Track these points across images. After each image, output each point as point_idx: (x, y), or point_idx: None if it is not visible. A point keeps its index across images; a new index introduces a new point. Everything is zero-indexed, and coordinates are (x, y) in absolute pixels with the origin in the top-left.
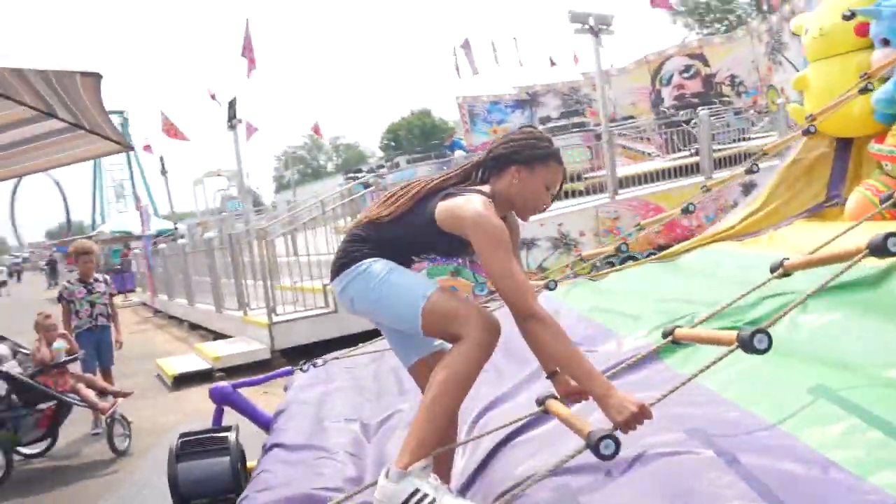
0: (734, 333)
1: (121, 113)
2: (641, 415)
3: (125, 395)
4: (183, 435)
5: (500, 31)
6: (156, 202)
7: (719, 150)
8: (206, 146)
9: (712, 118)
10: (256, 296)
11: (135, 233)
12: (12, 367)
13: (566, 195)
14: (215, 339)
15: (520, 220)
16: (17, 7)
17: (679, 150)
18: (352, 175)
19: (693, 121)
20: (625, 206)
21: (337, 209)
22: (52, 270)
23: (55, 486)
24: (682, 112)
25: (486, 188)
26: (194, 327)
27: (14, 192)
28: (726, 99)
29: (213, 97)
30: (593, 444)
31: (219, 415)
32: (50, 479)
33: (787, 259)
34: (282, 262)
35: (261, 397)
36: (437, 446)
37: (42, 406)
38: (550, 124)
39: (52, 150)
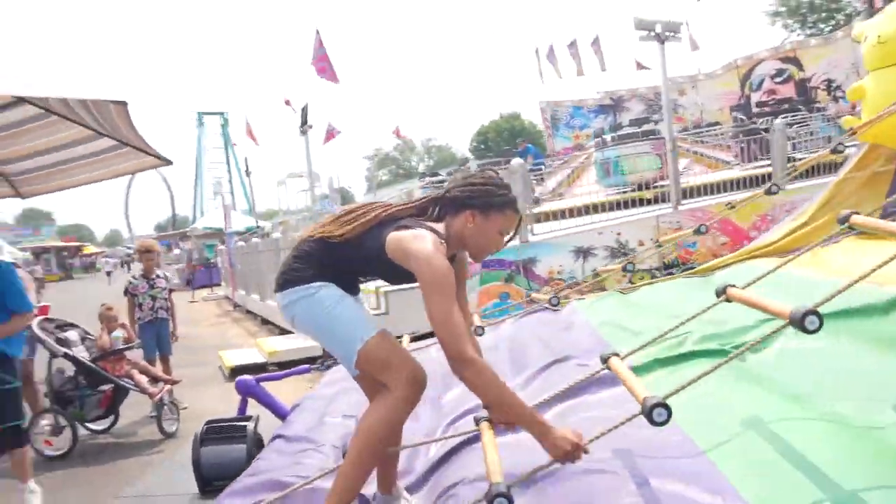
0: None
1: (221, 114)
2: (577, 449)
3: (174, 382)
4: (208, 422)
5: (584, 34)
6: (250, 200)
7: (800, 159)
8: (294, 148)
9: (795, 126)
10: None
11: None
12: (80, 352)
13: (630, 204)
14: (281, 333)
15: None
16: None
17: (757, 159)
18: (429, 177)
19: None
20: (687, 215)
21: None
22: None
23: (109, 459)
24: (761, 120)
25: (439, 226)
26: (265, 322)
27: (128, 189)
28: (818, 105)
29: (287, 103)
30: (647, 411)
31: (243, 405)
32: (106, 452)
33: (733, 286)
34: None
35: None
36: (360, 488)
37: (103, 388)
38: (621, 132)
39: (104, 165)
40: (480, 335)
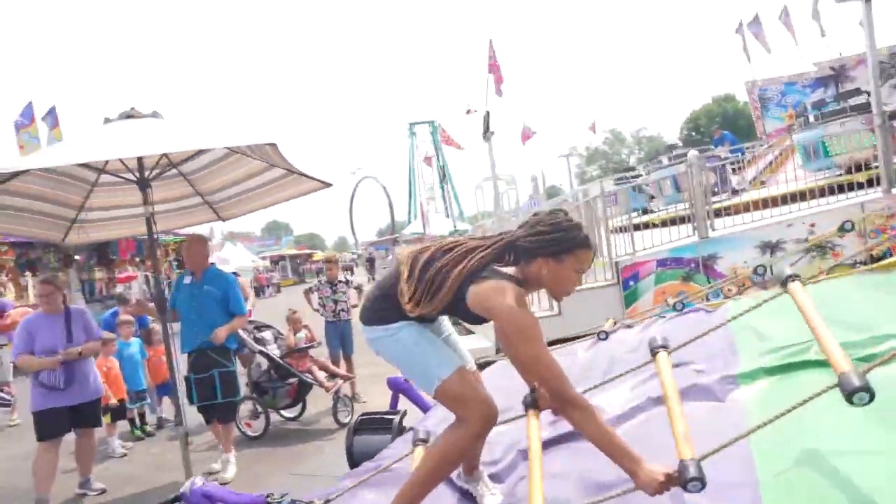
0: None
1: (431, 122)
2: (668, 484)
3: (347, 378)
4: (362, 415)
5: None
6: (454, 205)
7: None
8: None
9: None
10: None
11: (426, 234)
12: (272, 350)
13: (834, 190)
14: (467, 333)
15: None
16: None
17: None
18: (621, 176)
19: None
20: None
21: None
22: (370, 266)
23: (292, 442)
24: None
25: (516, 272)
26: (456, 322)
27: (352, 199)
28: None
29: (468, 112)
30: (848, 392)
31: (395, 401)
32: (291, 436)
33: None
34: None
35: None
36: (424, 498)
37: (290, 381)
38: (825, 109)
39: (279, 189)
40: (604, 339)
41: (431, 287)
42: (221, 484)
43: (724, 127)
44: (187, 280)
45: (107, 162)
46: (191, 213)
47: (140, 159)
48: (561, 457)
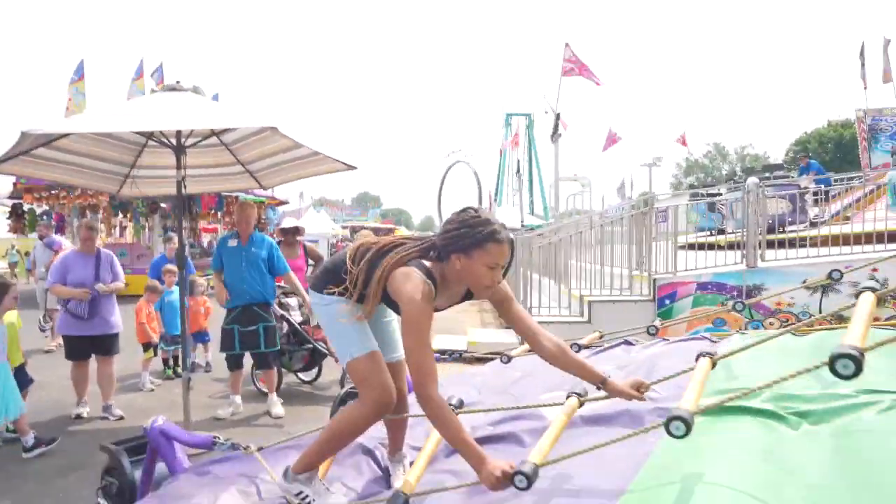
0: None
1: (528, 115)
2: (503, 479)
3: None
4: (352, 386)
5: None
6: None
7: None
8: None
9: None
10: (539, 294)
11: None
12: (294, 316)
13: None
14: (505, 328)
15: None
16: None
17: None
18: (697, 192)
19: None
20: None
21: (613, 227)
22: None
23: (303, 402)
24: None
25: (436, 267)
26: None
27: (443, 180)
28: None
29: (546, 112)
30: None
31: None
32: (300, 398)
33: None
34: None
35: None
36: (319, 464)
37: (306, 347)
38: None
39: (309, 165)
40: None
41: (365, 277)
42: (275, 418)
43: (836, 154)
44: (232, 242)
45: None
46: (235, 178)
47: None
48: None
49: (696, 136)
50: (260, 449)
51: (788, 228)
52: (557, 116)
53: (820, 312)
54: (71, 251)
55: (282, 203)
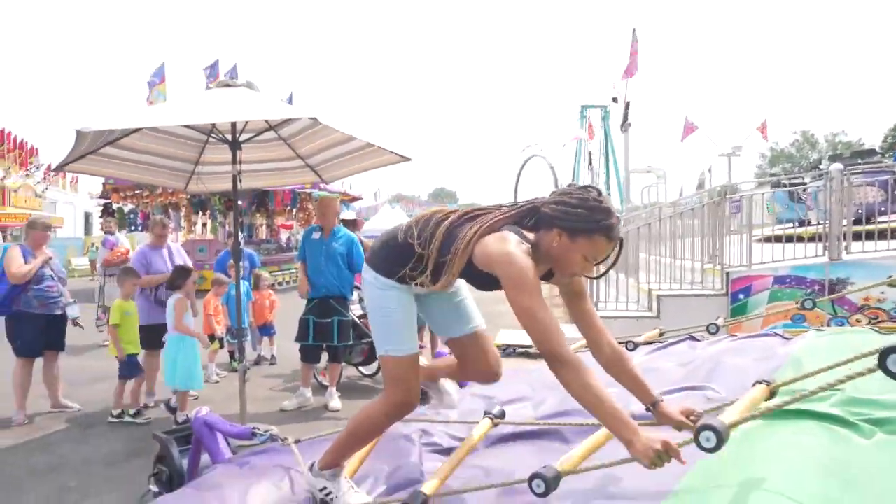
0: None
1: (604, 107)
2: (666, 453)
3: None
4: None
5: None
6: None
7: None
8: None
9: None
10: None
11: None
12: (356, 310)
13: None
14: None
15: None
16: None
17: None
18: (779, 181)
19: None
20: None
21: (684, 220)
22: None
23: (361, 396)
24: None
25: (530, 235)
26: None
27: (519, 175)
28: None
29: (614, 100)
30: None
31: None
32: (361, 391)
33: None
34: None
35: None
36: (343, 461)
37: (365, 341)
38: None
39: (364, 158)
40: (632, 350)
41: (441, 247)
42: (332, 411)
43: None
44: (316, 235)
45: (213, 125)
46: (295, 172)
47: (233, 124)
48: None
49: (783, 125)
50: (297, 441)
51: (881, 219)
52: (627, 106)
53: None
54: (145, 246)
55: (356, 199)
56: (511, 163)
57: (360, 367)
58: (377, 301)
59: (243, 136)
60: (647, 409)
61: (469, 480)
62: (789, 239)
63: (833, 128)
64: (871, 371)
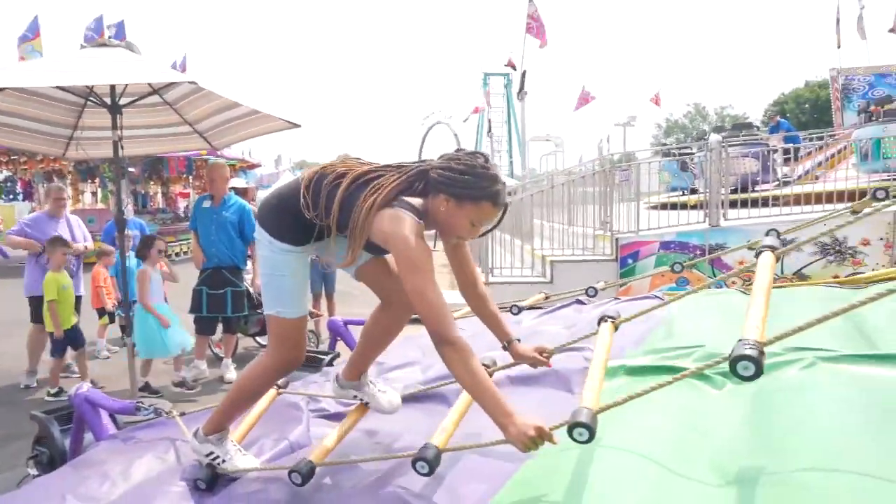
0: None
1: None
2: (540, 437)
3: (315, 315)
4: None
5: None
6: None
7: None
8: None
9: None
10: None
11: None
12: (248, 279)
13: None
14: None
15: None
16: None
17: None
18: (673, 150)
19: None
20: None
21: (575, 187)
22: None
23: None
24: None
25: (419, 202)
26: None
27: (422, 143)
28: None
29: (510, 65)
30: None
31: (333, 342)
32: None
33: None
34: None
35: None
36: (229, 424)
37: (260, 311)
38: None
39: (252, 125)
40: (516, 314)
41: (339, 213)
42: (227, 383)
43: (812, 115)
44: (206, 204)
45: (91, 88)
46: (183, 138)
47: (113, 87)
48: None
49: (676, 97)
50: (183, 414)
51: (758, 188)
52: (523, 74)
53: (781, 272)
54: (42, 213)
55: (254, 166)
56: (415, 129)
57: (257, 338)
58: (269, 263)
59: (124, 100)
60: (504, 348)
61: (356, 443)
62: (675, 207)
63: (722, 101)
64: (718, 363)
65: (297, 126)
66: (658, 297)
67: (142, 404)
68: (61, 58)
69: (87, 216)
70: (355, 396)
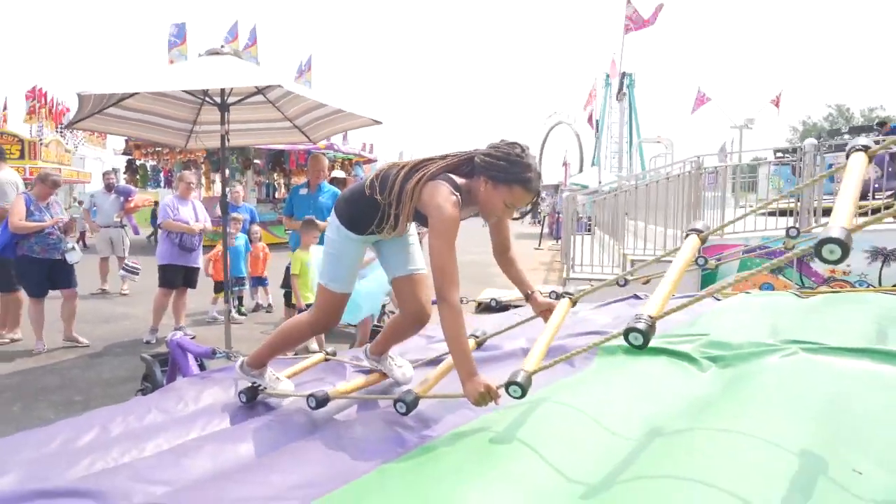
0: None
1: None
2: (488, 395)
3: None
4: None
5: None
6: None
7: None
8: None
9: None
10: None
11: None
12: None
13: None
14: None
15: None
16: None
17: None
18: (780, 152)
19: None
20: None
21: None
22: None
23: (338, 339)
24: None
25: (462, 181)
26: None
27: (544, 142)
28: None
29: (613, 74)
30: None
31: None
32: (340, 335)
33: None
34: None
35: None
36: (268, 360)
37: None
38: None
39: (339, 121)
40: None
41: (396, 201)
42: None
43: None
44: (303, 191)
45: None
46: (284, 132)
47: (222, 88)
48: None
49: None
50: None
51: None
52: (622, 75)
53: (879, 283)
54: (173, 196)
55: (371, 161)
56: (537, 130)
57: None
58: (335, 245)
59: (232, 99)
60: (525, 297)
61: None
62: (790, 213)
63: (870, 102)
64: (615, 336)
65: (378, 123)
66: (713, 297)
67: (217, 349)
68: (185, 65)
69: (213, 203)
70: (378, 367)
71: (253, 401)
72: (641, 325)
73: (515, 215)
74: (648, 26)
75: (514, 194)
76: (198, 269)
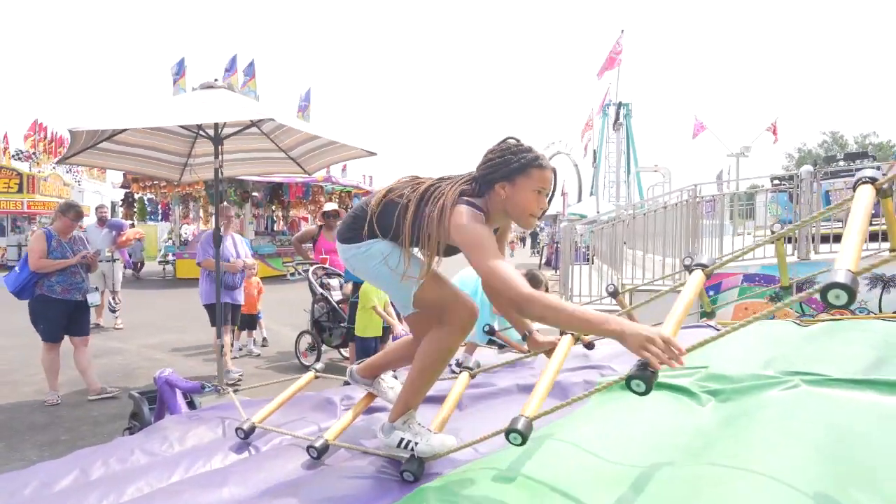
0: None
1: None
2: (652, 339)
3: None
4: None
5: None
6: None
7: None
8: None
9: None
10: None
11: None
12: (335, 295)
13: None
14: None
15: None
16: None
17: None
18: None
19: None
20: None
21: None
22: (533, 238)
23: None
24: None
25: (480, 202)
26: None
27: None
28: None
29: (609, 104)
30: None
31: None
32: (336, 371)
33: None
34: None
35: None
36: (416, 403)
37: (343, 325)
38: None
39: (332, 153)
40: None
41: (412, 228)
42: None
43: None
44: None
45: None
46: (279, 162)
47: (216, 123)
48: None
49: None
50: (236, 391)
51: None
52: (619, 105)
53: (880, 309)
54: (207, 232)
55: (368, 193)
56: None
57: (341, 350)
58: (370, 264)
59: (226, 131)
60: (524, 337)
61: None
62: (789, 240)
63: (863, 129)
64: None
65: (373, 154)
66: (712, 326)
67: (206, 384)
68: (178, 99)
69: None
70: (369, 388)
71: (420, 474)
72: (644, 373)
73: (509, 249)
74: (616, 65)
75: (534, 178)
76: (240, 306)
